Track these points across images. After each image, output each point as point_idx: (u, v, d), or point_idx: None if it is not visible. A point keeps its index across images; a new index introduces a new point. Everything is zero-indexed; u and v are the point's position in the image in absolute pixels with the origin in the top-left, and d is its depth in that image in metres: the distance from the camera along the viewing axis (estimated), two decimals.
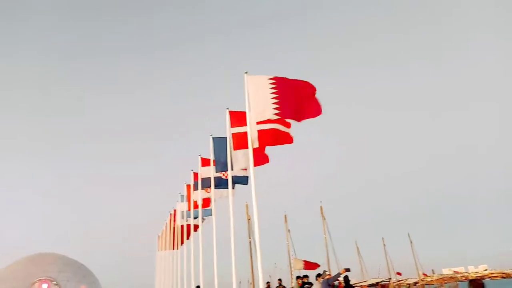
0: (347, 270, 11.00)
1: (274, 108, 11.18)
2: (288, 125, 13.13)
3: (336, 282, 11.27)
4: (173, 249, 32.19)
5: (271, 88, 11.27)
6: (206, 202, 18.71)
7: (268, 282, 17.19)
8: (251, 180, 10.75)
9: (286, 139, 13.06)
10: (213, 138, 15.31)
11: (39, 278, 62.12)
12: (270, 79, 11.39)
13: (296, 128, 13.22)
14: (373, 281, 47.63)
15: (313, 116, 10.87)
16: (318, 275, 11.02)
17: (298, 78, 11.26)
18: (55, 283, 62.46)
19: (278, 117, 11.20)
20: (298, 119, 11.25)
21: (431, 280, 60.98)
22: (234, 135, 13.05)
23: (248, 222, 24.17)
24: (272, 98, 11.20)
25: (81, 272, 67.57)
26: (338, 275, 10.93)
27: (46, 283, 62.29)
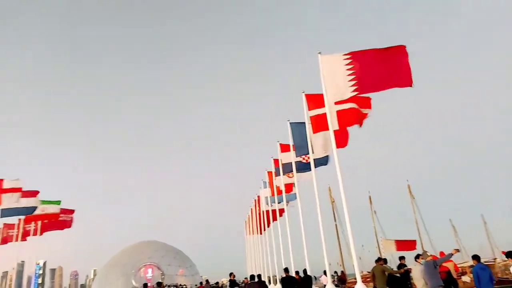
0: (457, 250, 10.20)
1: (351, 86, 10.75)
2: (365, 104, 12.51)
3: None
4: (259, 233, 33.37)
5: (346, 64, 10.84)
6: (289, 187, 18.89)
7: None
8: (335, 162, 10.53)
9: (363, 117, 12.52)
10: (290, 123, 15.31)
11: (144, 264, 69.92)
12: (345, 54, 10.92)
13: (377, 106, 12.48)
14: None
15: (402, 86, 10.09)
16: (417, 256, 10.28)
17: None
18: (158, 267, 69.69)
19: (355, 93, 10.72)
20: (378, 89, 10.61)
21: None
22: (313, 118, 12.89)
23: (332, 205, 23.81)
24: (348, 75, 10.78)
25: (180, 258, 74.29)
26: (450, 255, 10.00)
27: (150, 268, 69.89)
